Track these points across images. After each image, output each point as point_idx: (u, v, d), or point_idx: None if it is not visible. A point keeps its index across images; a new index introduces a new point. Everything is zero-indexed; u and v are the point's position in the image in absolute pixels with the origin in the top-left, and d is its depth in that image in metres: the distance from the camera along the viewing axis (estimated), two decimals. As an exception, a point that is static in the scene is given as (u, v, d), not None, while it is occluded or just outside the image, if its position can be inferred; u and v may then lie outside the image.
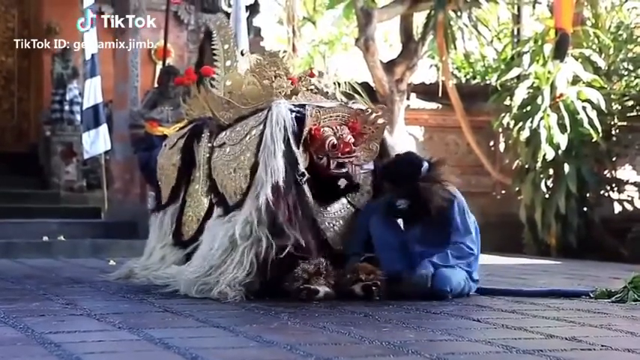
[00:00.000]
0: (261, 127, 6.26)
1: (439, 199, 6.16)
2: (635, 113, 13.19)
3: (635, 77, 13.73)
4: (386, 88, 14.23)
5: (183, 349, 3.90)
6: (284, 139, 6.15)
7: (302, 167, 6.17)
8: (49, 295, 6.15)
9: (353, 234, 6.37)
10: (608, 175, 13.23)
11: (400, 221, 6.52)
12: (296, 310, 5.31)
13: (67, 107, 14.46)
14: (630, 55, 13.76)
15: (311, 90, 6.77)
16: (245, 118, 6.57)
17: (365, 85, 14.02)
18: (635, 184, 13.15)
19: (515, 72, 13.24)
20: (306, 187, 6.22)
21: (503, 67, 14.73)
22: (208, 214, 6.73)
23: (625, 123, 13.13)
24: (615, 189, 13.17)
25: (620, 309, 5.68)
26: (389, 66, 14.51)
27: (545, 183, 12.64)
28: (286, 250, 5.93)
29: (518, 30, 15.60)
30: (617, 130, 13.18)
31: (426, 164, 6.28)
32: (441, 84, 14.64)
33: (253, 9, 15.10)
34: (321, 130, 6.20)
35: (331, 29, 24.73)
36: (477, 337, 4.40)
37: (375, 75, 14.36)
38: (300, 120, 6.24)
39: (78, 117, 14.41)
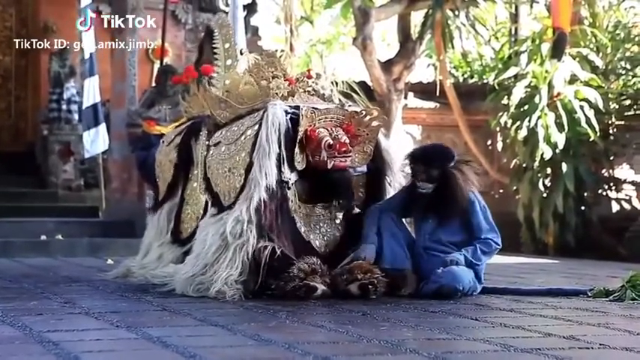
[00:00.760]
0: (256, 127, 6.28)
1: (463, 192, 6.20)
2: (632, 112, 13.21)
3: (633, 76, 13.75)
4: (383, 87, 14.24)
5: (181, 347, 3.90)
6: (278, 141, 6.16)
7: (289, 173, 6.17)
8: (47, 293, 6.14)
9: (365, 228, 6.35)
10: (606, 174, 13.24)
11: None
12: (294, 309, 5.31)
13: (64, 106, 14.45)
14: (628, 54, 13.79)
15: (308, 92, 6.76)
16: (241, 117, 6.57)
17: (362, 85, 14.05)
18: (632, 183, 13.16)
19: (512, 71, 13.25)
20: (289, 193, 6.23)
21: (500, 66, 14.75)
22: (205, 212, 6.75)
23: (622, 122, 13.15)
24: (613, 188, 13.19)
25: (618, 308, 5.68)
26: (386, 65, 14.53)
27: (543, 182, 12.66)
28: (278, 252, 5.93)
29: (516, 29, 15.64)
30: (615, 129, 13.20)
31: (457, 156, 6.36)
32: (438, 83, 14.65)
33: (251, 8, 15.10)
34: (317, 130, 6.20)
35: (329, 28, 24.73)
36: (475, 336, 4.40)
37: (372, 74, 14.37)
38: (294, 122, 6.25)
39: (75, 116, 14.40)
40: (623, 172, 13.42)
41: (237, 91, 6.72)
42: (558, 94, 12.29)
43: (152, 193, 10.68)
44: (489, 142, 15.02)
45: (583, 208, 12.76)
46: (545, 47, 12.73)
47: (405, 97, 14.75)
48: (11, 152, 14.81)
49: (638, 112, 13.05)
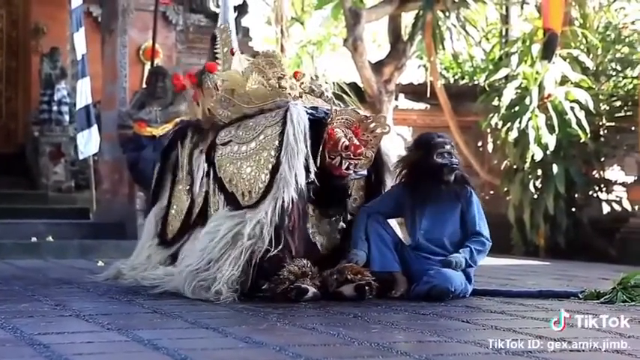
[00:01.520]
0: (278, 126, 6.20)
1: (461, 178, 6.30)
2: (623, 114, 13.22)
3: (623, 77, 13.77)
4: (374, 88, 14.27)
5: (172, 350, 3.89)
6: (304, 141, 6.14)
7: (313, 171, 6.16)
8: (37, 296, 6.13)
9: (354, 232, 6.36)
10: (597, 176, 13.25)
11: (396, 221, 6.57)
12: (285, 311, 5.31)
13: (55, 107, 14.44)
14: (618, 55, 13.81)
15: (311, 93, 6.73)
16: (249, 117, 6.55)
17: (353, 86, 14.08)
18: (623, 184, 13.17)
19: (503, 72, 13.27)
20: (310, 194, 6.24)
21: (491, 67, 14.78)
22: (189, 213, 6.78)
23: (613, 123, 13.17)
24: (603, 189, 13.20)
25: (609, 310, 5.68)
26: (377, 66, 14.55)
27: (534, 183, 12.66)
28: (270, 253, 5.94)
29: (507, 30, 15.65)
30: (606, 131, 13.21)
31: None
32: (429, 84, 14.68)
33: (241, 9, 15.11)
34: (335, 130, 6.18)
35: (319, 29, 24.73)
36: (466, 338, 4.41)
37: (363, 75, 14.39)
38: (312, 122, 6.23)
39: (66, 117, 14.41)
40: (613, 173, 13.44)
41: (243, 91, 6.65)
42: (549, 95, 12.30)
43: (143, 194, 10.71)
44: (480, 144, 15.04)
45: (574, 209, 12.77)
46: (536, 48, 12.75)
47: (396, 99, 14.77)
48: (1, 153, 14.81)
49: (628, 113, 13.05)
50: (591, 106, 12.20)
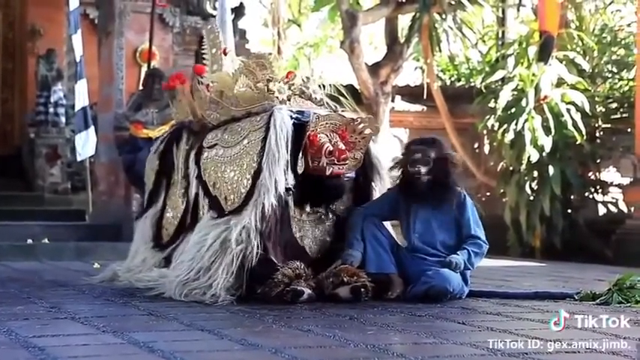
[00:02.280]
0: (261, 131, 6.20)
1: (457, 178, 6.31)
2: (618, 115, 13.24)
3: (619, 79, 13.78)
4: (371, 90, 14.27)
5: (167, 352, 3.89)
6: (286, 146, 6.13)
7: (292, 179, 6.15)
8: (33, 298, 6.12)
9: (349, 233, 6.36)
10: (593, 178, 13.26)
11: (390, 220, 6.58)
12: (281, 313, 5.30)
13: (51, 109, 14.44)
14: (614, 57, 13.82)
15: (301, 96, 6.71)
16: (236, 120, 6.54)
17: (350, 88, 13.99)
18: (619, 185, 13.18)
19: (499, 74, 13.27)
20: (289, 199, 6.22)
21: (487, 69, 14.78)
22: (184, 216, 6.76)
23: (609, 125, 13.19)
24: (599, 191, 13.20)
25: (604, 311, 5.68)
26: (374, 68, 14.55)
27: (530, 185, 12.66)
28: (258, 257, 5.93)
29: (503, 32, 15.66)
30: (602, 133, 13.24)
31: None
32: (425, 86, 14.69)
33: (238, 11, 15.11)
34: (318, 136, 6.16)
35: (316, 32, 24.78)
36: (461, 340, 4.41)
37: (359, 77, 14.39)
38: (297, 127, 6.22)
39: (62, 119, 14.41)
40: (609, 175, 13.45)
41: (231, 93, 6.64)
42: (545, 97, 12.30)
43: (139, 197, 10.70)
44: (476, 145, 15.05)
45: (570, 211, 12.78)
46: (532, 50, 12.75)
47: (393, 100, 14.78)
48: (-3, 155, 14.81)
49: (624, 115, 13.06)
50: (587, 108, 12.20)
